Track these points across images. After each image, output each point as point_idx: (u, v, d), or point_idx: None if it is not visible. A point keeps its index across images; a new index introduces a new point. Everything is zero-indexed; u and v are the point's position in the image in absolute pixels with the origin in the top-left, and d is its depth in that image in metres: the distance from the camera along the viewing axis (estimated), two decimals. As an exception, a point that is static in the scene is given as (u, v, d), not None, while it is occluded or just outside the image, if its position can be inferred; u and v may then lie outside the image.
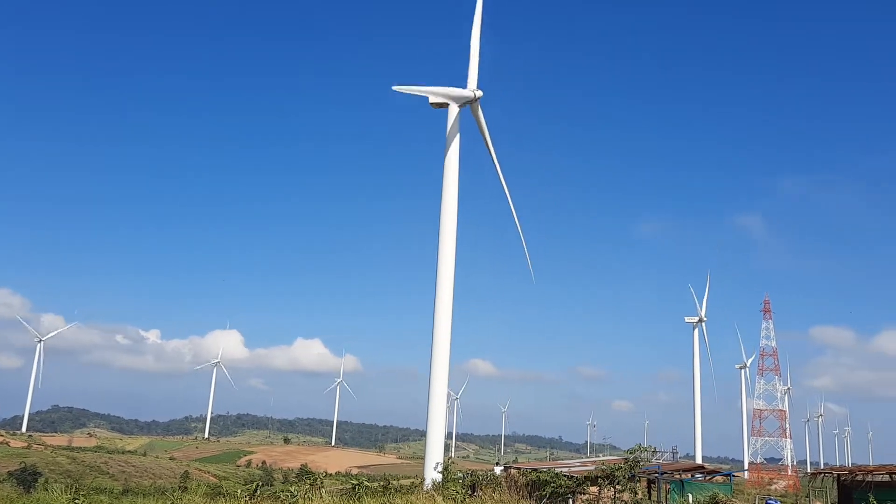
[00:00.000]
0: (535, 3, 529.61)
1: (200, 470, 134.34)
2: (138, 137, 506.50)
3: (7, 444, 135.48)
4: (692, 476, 66.12)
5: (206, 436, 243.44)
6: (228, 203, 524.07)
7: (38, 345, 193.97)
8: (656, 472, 58.68)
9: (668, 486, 58.82)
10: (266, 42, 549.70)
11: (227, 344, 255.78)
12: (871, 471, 58.51)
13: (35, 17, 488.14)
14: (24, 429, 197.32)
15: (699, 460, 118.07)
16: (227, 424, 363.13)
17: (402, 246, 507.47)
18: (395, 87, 53.36)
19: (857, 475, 58.77)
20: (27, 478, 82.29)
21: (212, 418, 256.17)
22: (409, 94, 53.25)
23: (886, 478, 54.43)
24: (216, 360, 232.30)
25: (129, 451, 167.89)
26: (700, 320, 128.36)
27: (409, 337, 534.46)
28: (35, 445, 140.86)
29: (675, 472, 64.65)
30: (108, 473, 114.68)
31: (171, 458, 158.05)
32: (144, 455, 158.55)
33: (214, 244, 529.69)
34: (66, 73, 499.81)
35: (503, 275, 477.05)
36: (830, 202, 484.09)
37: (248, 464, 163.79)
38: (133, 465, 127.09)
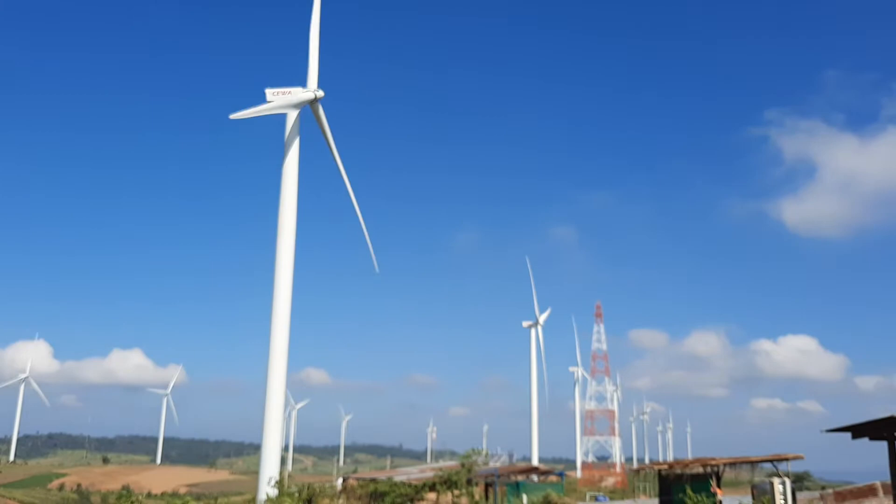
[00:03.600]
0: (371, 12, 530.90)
1: (5, 497, 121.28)
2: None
3: None
4: (527, 477, 67.93)
5: (12, 458, 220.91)
6: (35, 202, 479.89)
7: None
8: (493, 476, 59.51)
9: (505, 489, 59.95)
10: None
11: (34, 356, 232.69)
12: (687, 464, 62.86)
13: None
14: None
15: (535, 462, 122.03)
16: (36, 445, 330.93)
17: (232, 250, 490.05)
18: (232, 116, 51.28)
19: (675, 469, 62.94)
20: None
21: (18, 439, 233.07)
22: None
23: (700, 470, 58.63)
24: (24, 375, 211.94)
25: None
26: (536, 324, 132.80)
27: (238, 347, 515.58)
28: None
29: (511, 475, 66.06)
30: None
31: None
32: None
33: (17, 247, 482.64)
34: None
35: (337, 282, 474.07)
36: (631, 214, 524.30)
37: (61, 487, 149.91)
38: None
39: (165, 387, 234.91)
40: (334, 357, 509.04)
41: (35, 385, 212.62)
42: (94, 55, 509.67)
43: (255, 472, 52.94)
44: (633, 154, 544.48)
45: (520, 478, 66.03)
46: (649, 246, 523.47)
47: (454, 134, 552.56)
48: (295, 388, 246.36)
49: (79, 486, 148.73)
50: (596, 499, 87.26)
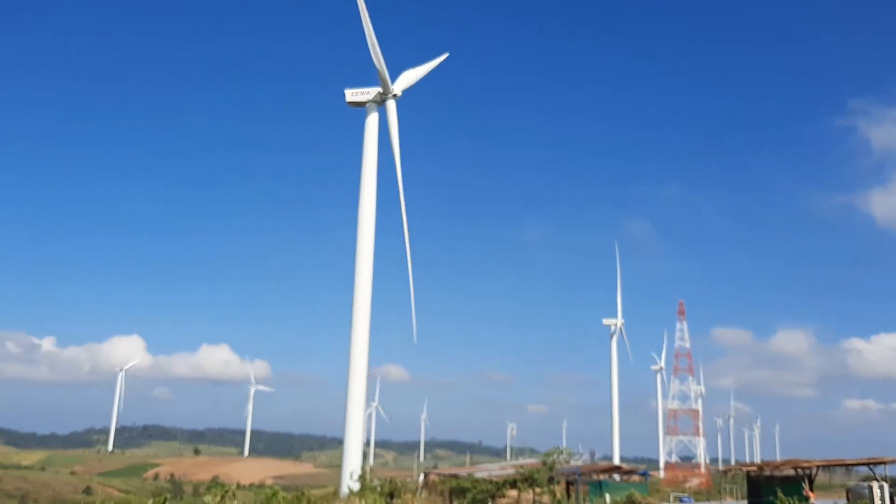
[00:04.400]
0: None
1: (104, 485, 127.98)
2: (35, 137, 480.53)
3: None
4: (609, 476, 66.93)
5: (110, 448, 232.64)
6: (129, 203, 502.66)
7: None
8: (574, 474, 58.88)
9: (587, 488, 59.22)
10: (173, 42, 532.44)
11: (128, 351, 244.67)
12: (778, 465, 60.63)
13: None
14: None
15: (617, 461, 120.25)
16: (132, 436, 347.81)
17: (313, 249, 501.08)
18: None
19: (764, 470, 60.78)
20: None
21: (116, 430, 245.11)
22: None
23: (791, 472, 56.41)
24: (121, 368, 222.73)
25: (25, 467, 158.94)
26: (617, 322, 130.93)
27: (319, 343, 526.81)
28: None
29: (593, 474, 65.22)
30: (3, 490, 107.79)
31: (71, 473, 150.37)
32: (43, 470, 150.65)
33: (113, 246, 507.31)
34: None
35: (415, 278, 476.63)
36: (709, 209, 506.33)
37: (156, 477, 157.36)
38: (30, 481, 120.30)
39: (251, 381, 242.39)
40: (411, 353, 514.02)
41: (130, 377, 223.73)
42: (184, 51, 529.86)
43: (337, 466, 54.02)
44: (710, 147, 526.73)
45: (602, 477, 65.13)
46: (729, 242, 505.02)
47: (520, 130, 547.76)
48: (374, 384, 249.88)
49: (172, 475, 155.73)
50: (680, 500, 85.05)
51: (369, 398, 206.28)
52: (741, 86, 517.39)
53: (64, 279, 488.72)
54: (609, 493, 58.71)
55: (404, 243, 54.85)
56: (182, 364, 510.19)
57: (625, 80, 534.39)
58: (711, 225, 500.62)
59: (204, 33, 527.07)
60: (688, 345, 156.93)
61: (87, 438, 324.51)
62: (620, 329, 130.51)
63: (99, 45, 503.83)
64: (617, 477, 68.25)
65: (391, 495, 38.80)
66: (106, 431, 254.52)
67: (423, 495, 38.82)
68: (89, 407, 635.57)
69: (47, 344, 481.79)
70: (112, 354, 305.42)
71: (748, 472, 62.57)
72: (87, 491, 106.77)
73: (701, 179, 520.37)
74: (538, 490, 43.89)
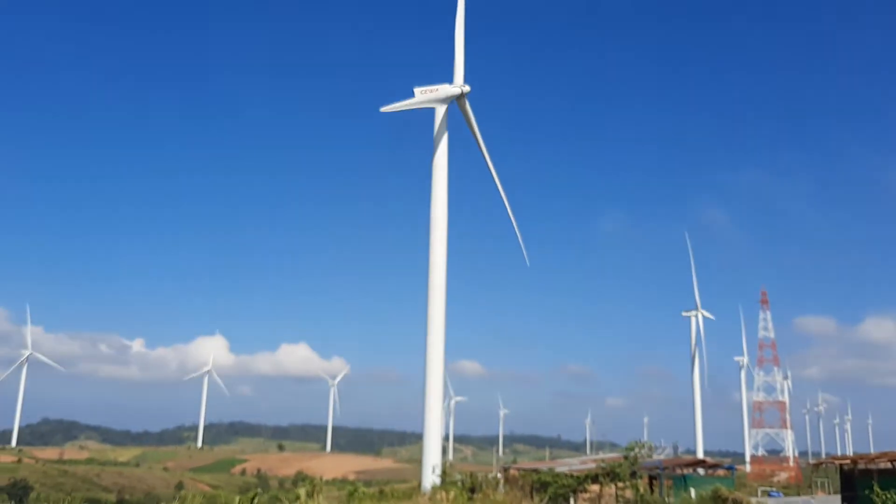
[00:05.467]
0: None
1: (194, 480, 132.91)
2: (123, 141, 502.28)
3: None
4: (694, 471, 65.33)
5: (199, 445, 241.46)
6: (208, 208, 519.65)
7: (25, 357, 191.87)
8: (658, 468, 57.81)
9: (671, 482, 58.02)
10: (254, 46, 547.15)
11: (213, 351, 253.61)
12: (874, 458, 57.88)
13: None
14: (13, 442, 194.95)
15: (700, 455, 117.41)
16: (219, 433, 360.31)
17: (387, 247, 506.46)
18: (382, 109, 53.96)
19: (858, 464, 58.16)
20: (18, 492, 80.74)
21: (204, 427, 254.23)
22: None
23: (888, 465, 53.80)
24: (207, 368, 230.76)
25: (121, 463, 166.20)
26: (697, 313, 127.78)
27: (396, 339, 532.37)
28: (25, 459, 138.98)
29: (676, 468, 63.84)
30: (101, 486, 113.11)
31: (164, 469, 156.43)
32: (137, 466, 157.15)
33: (196, 249, 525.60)
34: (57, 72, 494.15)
35: (486, 273, 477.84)
36: (787, 193, 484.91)
37: (243, 472, 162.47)
38: (126, 477, 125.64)
39: (332, 378, 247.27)
40: (486, 348, 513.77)
41: (217, 377, 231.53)
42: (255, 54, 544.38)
43: (417, 461, 54.60)
44: (788, 131, 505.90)
45: (686, 471, 63.68)
46: (810, 226, 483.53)
47: (592, 120, 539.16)
48: (451, 379, 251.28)
49: (258, 470, 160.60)
50: (769, 494, 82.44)
51: (447, 393, 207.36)
52: (822, 67, 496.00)
53: (151, 283, 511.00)
54: (694, 488, 57.34)
55: (509, 219, 55.96)
56: (264, 362, 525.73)
57: (695, 65, 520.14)
58: (790, 211, 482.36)
59: (273, 32, 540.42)
60: (772, 335, 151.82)
61: (178, 435, 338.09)
62: (700, 320, 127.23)
63: (178, 44, 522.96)
64: (701, 471, 66.53)
65: (472, 490, 38.93)
66: (195, 428, 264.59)
67: (504, 490, 38.78)
68: (179, 405, 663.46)
69: (137, 345, 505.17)
70: (197, 354, 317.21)
71: (841, 465, 59.97)
72: (179, 486, 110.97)
73: (778, 165, 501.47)
74: (620, 485, 43.21)
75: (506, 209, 56.26)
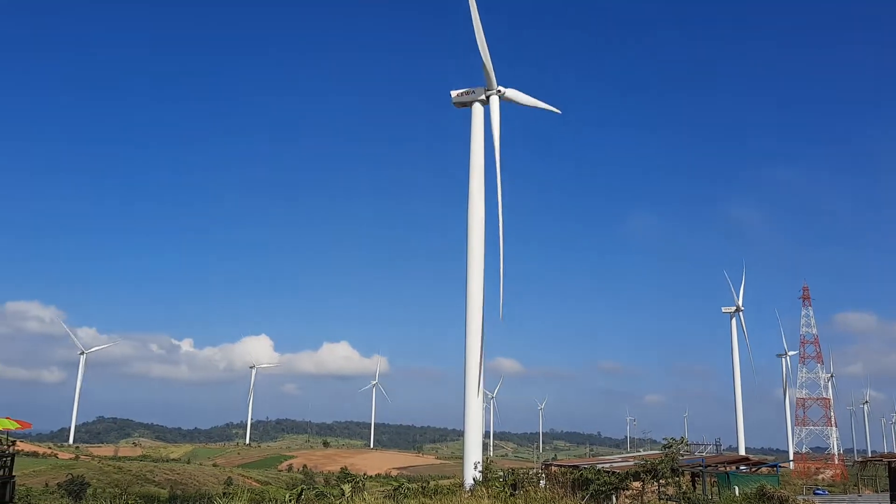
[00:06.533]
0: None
1: (243, 476, 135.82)
2: (162, 142, 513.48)
3: (55, 456, 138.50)
4: (737, 468, 65.15)
5: (248, 442, 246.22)
6: (254, 211, 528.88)
7: (81, 358, 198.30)
8: (700, 465, 57.93)
9: (714, 479, 58.03)
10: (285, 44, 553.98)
11: (259, 350, 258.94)
12: (923, 457, 57.16)
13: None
14: (70, 440, 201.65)
15: (742, 452, 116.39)
16: (266, 430, 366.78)
17: (427, 246, 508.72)
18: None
19: (908, 462, 57.48)
20: (76, 489, 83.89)
21: (252, 424, 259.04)
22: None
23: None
24: (254, 367, 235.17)
25: (173, 460, 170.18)
26: (737, 310, 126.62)
27: (434, 337, 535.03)
28: (82, 457, 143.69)
29: (719, 465, 63.76)
30: (154, 482, 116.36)
31: (214, 465, 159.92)
32: (189, 463, 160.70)
33: (240, 251, 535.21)
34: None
35: (524, 271, 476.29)
36: (823, 188, 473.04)
37: (290, 468, 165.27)
38: (178, 473, 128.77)
39: (372, 376, 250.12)
40: (524, 346, 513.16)
41: (258, 376, 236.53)
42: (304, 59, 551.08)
43: (459, 457, 55.71)
44: (824, 127, 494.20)
45: (729, 468, 63.55)
46: (848, 222, 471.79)
47: (626, 117, 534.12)
48: (489, 377, 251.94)
49: (304, 466, 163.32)
50: (814, 492, 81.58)
51: (486, 390, 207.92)
52: (861, 61, 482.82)
53: (199, 285, 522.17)
54: (738, 486, 57.24)
55: (497, 234, 53.77)
56: (307, 361, 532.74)
57: (729, 61, 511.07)
58: (827, 207, 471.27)
59: (315, 42, 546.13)
60: (814, 331, 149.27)
61: (227, 432, 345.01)
62: (740, 316, 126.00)
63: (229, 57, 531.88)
64: (745, 468, 66.33)
65: (514, 486, 39.75)
66: (243, 426, 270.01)
67: (545, 486, 39.54)
68: (227, 403, 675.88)
69: (186, 345, 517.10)
70: (244, 353, 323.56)
71: (889, 462, 59.34)
72: (228, 482, 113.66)
73: (815, 160, 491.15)
74: (662, 482, 43.56)
75: (498, 226, 53.49)
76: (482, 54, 54.47)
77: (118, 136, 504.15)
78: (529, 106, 58.21)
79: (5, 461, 38.01)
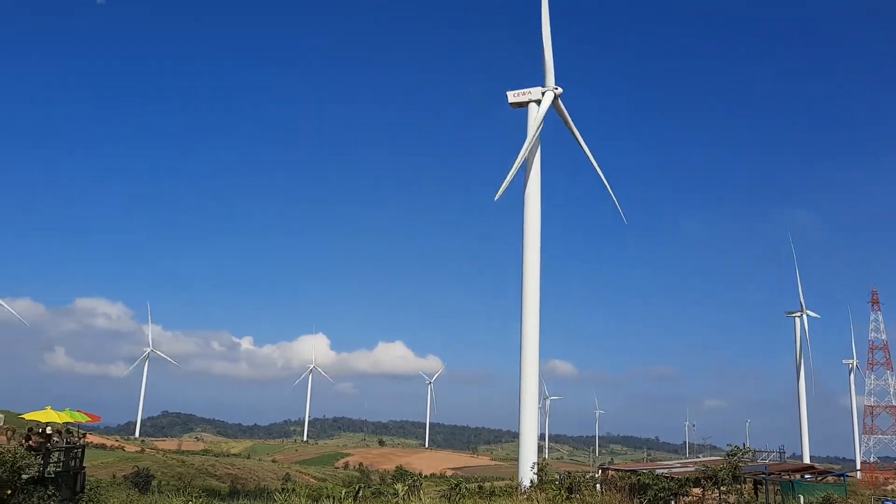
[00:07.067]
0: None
1: (301, 472, 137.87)
2: (226, 143, 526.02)
3: (122, 448, 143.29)
4: (802, 477, 63.25)
5: (305, 439, 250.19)
6: (310, 212, 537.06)
7: (147, 354, 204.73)
8: (763, 473, 56.44)
9: (777, 488, 56.47)
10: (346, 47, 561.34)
11: (316, 349, 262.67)
12: None
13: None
14: (137, 434, 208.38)
15: (807, 460, 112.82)
16: (323, 427, 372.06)
17: (482, 247, 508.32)
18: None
19: None
20: (141, 481, 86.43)
21: (309, 422, 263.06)
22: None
23: None
24: (311, 365, 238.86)
25: (233, 455, 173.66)
26: (802, 313, 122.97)
27: (489, 338, 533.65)
28: (147, 450, 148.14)
29: (783, 473, 62.04)
30: (216, 476, 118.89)
31: (273, 461, 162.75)
32: (248, 458, 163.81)
33: (298, 251, 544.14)
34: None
35: (577, 273, 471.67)
36: (886, 187, 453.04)
37: (346, 466, 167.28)
38: (238, 468, 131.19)
39: (428, 376, 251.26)
40: (578, 349, 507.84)
41: (322, 373, 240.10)
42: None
43: (513, 459, 55.60)
44: (874, 121, 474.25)
45: (793, 477, 61.71)
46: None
47: (678, 117, 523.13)
48: (544, 379, 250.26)
49: (360, 464, 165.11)
50: (883, 503, 78.40)
51: (541, 393, 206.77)
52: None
53: (258, 284, 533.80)
54: (803, 495, 55.54)
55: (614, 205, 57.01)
56: (362, 360, 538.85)
57: (786, 58, 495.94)
58: (888, 202, 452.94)
59: (366, 43, 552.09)
60: (884, 336, 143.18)
61: (286, 429, 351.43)
62: (804, 320, 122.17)
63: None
64: (810, 477, 64.30)
65: (570, 489, 39.46)
66: (301, 423, 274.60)
67: (602, 490, 39.13)
68: (285, 400, 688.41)
69: (245, 343, 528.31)
70: (301, 352, 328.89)
71: (965, 474, 56.85)
72: (287, 478, 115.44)
73: (878, 162, 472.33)
74: (723, 489, 42.63)
75: (613, 200, 57.39)
76: (545, 56, 54.56)
77: (182, 139, 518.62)
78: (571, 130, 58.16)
79: (77, 453, 39.46)
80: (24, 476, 30.36)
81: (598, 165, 57.50)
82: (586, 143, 57.81)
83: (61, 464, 36.14)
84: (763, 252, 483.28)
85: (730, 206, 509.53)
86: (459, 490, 39.69)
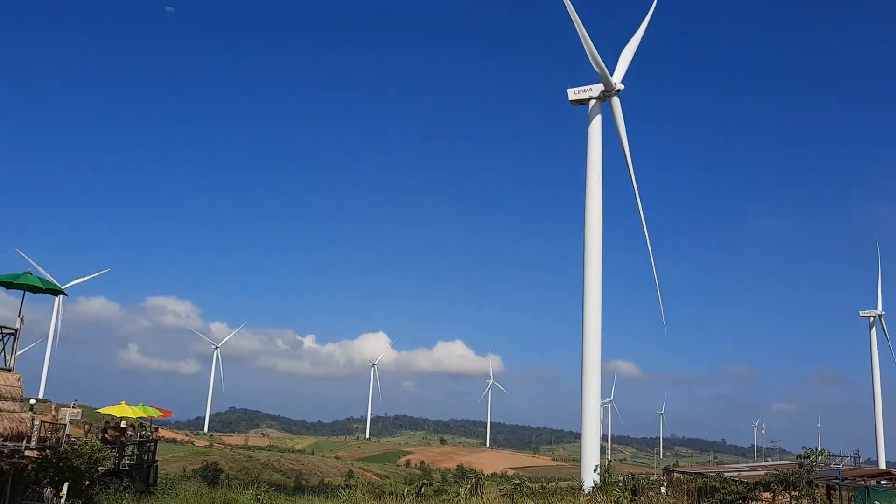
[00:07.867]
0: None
1: (363, 469, 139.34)
2: (289, 140, 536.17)
3: (192, 443, 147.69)
4: (878, 483, 60.76)
5: (367, 436, 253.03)
6: (370, 216, 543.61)
7: (215, 351, 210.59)
8: (836, 478, 54.51)
9: (851, 493, 54.41)
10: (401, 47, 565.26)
11: (377, 347, 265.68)
12: None
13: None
14: (205, 429, 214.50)
15: (883, 465, 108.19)
16: (385, 425, 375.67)
17: (542, 246, 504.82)
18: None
19: None
20: (210, 475, 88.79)
21: (371, 419, 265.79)
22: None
23: None
24: (373, 363, 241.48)
25: (298, 451, 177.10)
26: (879, 314, 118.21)
27: (549, 337, 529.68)
28: (216, 444, 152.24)
29: (857, 479, 59.75)
30: (280, 471, 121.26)
31: (336, 458, 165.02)
32: (312, 454, 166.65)
33: (357, 254, 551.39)
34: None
35: (638, 272, 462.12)
36: None
37: (408, 464, 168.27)
38: (302, 464, 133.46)
39: (487, 376, 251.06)
40: (642, 349, 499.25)
41: (378, 372, 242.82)
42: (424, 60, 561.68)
43: (575, 460, 55.04)
44: None
45: (869, 482, 59.31)
46: None
47: (754, 115, 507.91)
48: (605, 380, 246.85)
49: (422, 463, 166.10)
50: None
51: (604, 393, 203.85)
52: None
53: (321, 283, 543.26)
54: (879, 501, 53.41)
55: (644, 236, 55.72)
56: (423, 359, 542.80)
57: (861, 55, 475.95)
58: None
59: (429, 41, 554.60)
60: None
61: (348, 426, 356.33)
62: (881, 321, 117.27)
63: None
64: (886, 483, 61.69)
65: (634, 492, 38.83)
66: (363, 420, 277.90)
67: (667, 493, 38.37)
68: (347, 398, 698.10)
69: (308, 341, 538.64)
70: (363, 350, 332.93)
71: None
72: (349, 475, 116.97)
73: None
74: (795, 494, 41.24)
75: (640, 216, 55.81)
76: (590, 57, 53.89)
77: (241, 137, 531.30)
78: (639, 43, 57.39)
79: (150, 446, 40.88)
80: (101, 468, 31.57)
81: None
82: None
83: (135, 457, 37.47)
84: (842, 250, 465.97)
85: (811, 204, 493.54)
86: (522, 489, 39.49)
